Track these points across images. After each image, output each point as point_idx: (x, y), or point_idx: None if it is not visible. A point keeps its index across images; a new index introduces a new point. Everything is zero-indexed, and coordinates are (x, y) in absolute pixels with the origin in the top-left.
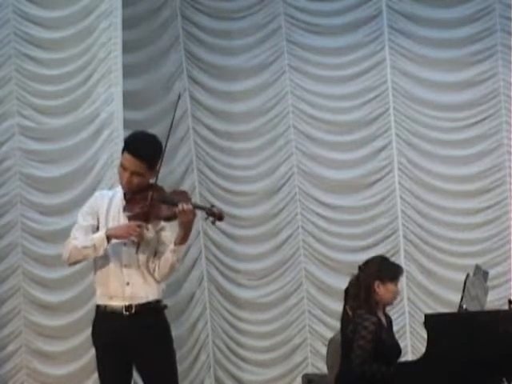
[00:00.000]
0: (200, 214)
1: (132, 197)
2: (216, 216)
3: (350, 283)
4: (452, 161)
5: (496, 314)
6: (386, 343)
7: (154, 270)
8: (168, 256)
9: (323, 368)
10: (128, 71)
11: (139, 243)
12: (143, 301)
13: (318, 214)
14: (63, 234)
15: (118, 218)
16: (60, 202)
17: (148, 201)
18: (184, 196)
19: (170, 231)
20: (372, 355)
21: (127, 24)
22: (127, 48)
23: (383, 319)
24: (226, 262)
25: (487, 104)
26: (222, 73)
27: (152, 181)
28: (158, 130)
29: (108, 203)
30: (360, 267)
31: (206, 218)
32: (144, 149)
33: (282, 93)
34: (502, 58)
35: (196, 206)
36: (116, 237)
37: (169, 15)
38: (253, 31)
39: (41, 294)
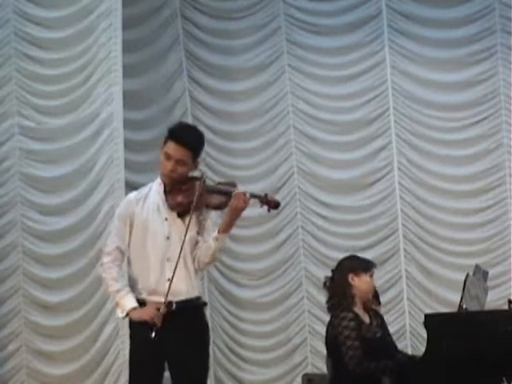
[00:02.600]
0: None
1: (173, 187)
2: (271, 204)
3: (325, 285)
4: (452, 161)
5: (496, 314)
6: (366, 338)
7: (195, 259)
8: (210, 243)
9: (323, 368)
10: (128, 71)
11: (157, 328)
12: (183, 297)
13: (317, 214)
14: (63, 234)
15: (157, 211)
16: (60, 202)
17: (196, 190)
18: (233, 184)
19: (210, 221)
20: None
21: (127, 24)
22: (127, 48)
23: (365, 316)
24: (226, 262)
25: (487, 104)
26: (222, 73)
27: (191, 173)
28: (158, 130)
29: (144, 199)
30: (333, 270)
31: (261, 206)
32: (189, 137)
33: (281, 93)
34: (501, 58)
35: (251, 195)
36: (134, 318)
37: (169, 15)
38: (253, 31)
39: (41, 294)
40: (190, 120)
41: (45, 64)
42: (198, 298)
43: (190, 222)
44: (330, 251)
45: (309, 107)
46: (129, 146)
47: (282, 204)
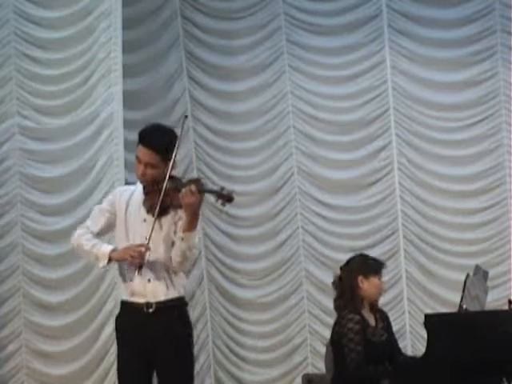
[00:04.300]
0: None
1: (150, 190)
2: (225, 198)
3: (334, 284)
4: (452, 161)
5: (496, 314)
6: (371, 342)
7: (170, 260)
8: (177, 244)
9: (323, 368)
10: (128, 71)
11: (141, 265)
12: (164, 298)
13: (318, 214)
14: (63, 234)
15: (138, 211)
16: (60, 202)
17: (162, 191)
18: (195, 181)
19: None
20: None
21: (127, 24)
22: (127, 48)
23: (371, 318)
24: (226, 262)
25: (487, 104)
26: (222, 73)
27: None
28: None
29: (128, 198)
30: (341, 267)
31: (216, 201)
32: (157, 140)
33: (281, 93)
34: (501, 58)
35: (206, 190)
36: (117, 260)
37: (169, 15)
38: (253, 31)
39: (41, 294)
40: (189, 120)
41: (45, 64)
42: (180, 299)
43: (154, 222)
44: (330, 251)
45: (309, 107)
46: (129, 146)
47: (282, 204)
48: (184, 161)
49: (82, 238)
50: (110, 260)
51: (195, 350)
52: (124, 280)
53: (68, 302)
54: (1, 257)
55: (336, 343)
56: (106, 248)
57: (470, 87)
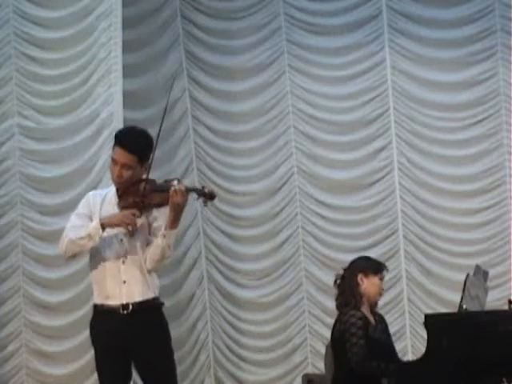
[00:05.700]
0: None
1: (125, 191)
2: (207, 196)
3: (335, 283)
4: (452, 161)
5: (496, 314)
6: (373, 338)
7: (146, 259)
8: (158, 241)
9: (323, 368)
10: (128, 71)
11: (133, 232)
12: (140, 299)
13: (318, 214)
14: None
15: (112, 212)
16: (60, 202)
17: (140, 191)
18: (179, 182)
19: (162, 221)
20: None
21: (127, 24)
22: (127, 48)
23: (371, 317)
24: (226, 262)
25: (487, 104)
26: (222, 73)
27: (144, 176)
28: (157, 131)
29: (101, 202)
30: (345, 269)
31: (197, 199)
32: (134, 142)
33: (282, 93)
34: (501, 58)
35: (187, 189)
36: (110, 225)
37: (169, 15)
38: (253, 31)
39: (41, 294)
40: (189, 120)
41: (45, 64)
42: (155, 299)
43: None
44: (330, 251)
45: (309, 107)
46: None
47: (282, 204)
48: (184, 161)
49: (67, 238)
50: (103, 228)
51: (195, 350)
52: (99, 283)
53: (68, 302)
54: (1, 257)
55: (337, 340)
56: (95, 222)
57: (470, 87)
